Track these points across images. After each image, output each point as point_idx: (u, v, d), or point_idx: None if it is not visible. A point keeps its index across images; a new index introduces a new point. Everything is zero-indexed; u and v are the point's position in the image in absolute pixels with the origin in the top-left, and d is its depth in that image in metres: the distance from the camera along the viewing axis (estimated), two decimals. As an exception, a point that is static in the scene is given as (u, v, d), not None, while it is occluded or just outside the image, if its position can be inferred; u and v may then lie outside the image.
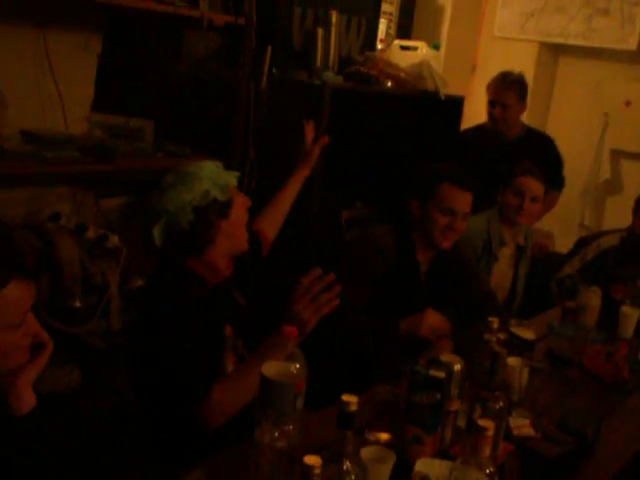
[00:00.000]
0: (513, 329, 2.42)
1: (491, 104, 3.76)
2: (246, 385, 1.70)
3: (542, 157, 3.62)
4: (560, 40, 4.59)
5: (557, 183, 3.95)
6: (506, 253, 3.21)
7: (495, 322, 1.92)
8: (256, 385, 1.47)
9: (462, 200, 2.56)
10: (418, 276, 2.64)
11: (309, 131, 2.59)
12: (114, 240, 2.85)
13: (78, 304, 2.70)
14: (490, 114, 3.78)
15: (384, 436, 1.73)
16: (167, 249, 1.91)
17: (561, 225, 4.79)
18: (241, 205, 1.97)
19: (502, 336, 1.95)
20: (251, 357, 1.82)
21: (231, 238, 1.95)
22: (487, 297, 2.89)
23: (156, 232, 1.87)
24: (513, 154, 3.51)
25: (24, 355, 1.36)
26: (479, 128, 3.93)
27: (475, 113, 4.76)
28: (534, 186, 3.13)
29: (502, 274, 3.20)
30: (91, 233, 2.84)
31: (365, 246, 2.58)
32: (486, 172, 3.20)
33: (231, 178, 1.94)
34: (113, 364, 2.05)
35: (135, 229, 3.13)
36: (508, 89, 3.73)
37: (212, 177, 1.89)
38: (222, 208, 1.90)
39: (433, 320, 2.32)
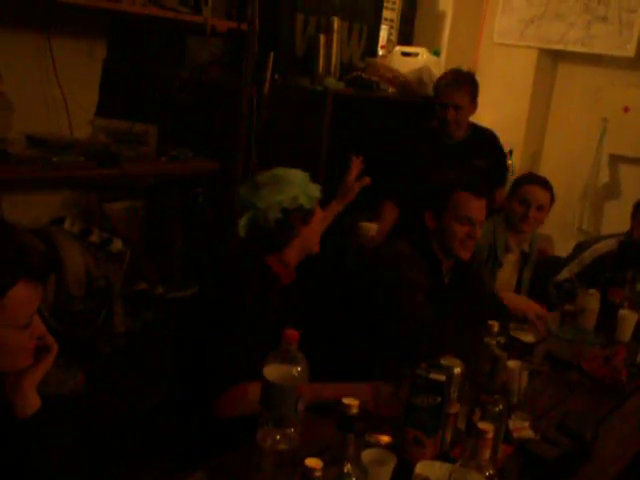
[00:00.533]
0: (513, 332, 2.45)
1: (442, 106, 3.45)
2: None
3: (488, 155, 3.55)
4: (559, 46, 4.61)
5: (503, 179, 3.79)
6: (511, 259, 3.22)
7: (495, 325, 1.93)
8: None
9: (478, 207, 2.48)
10: (443, 288, 2.55)
11: (355, 167, 2.64)
12: (118, 244, 2.88)
13: (82, 307, 2.72)
14: (441, 117, 3.46)
15: (385, 438, 1.75)
16: (248, 242, 2.05)
17: (560, 229, 4.81)
18: (320, 216, 2.14)
19: (502, 339, 1.97)
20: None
21: (306, 242, 2.11)
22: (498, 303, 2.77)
23: (242, 223, 2.03)
24: (460, 156, 3.38)
25: (29, 357, 1.36)
26: (422, 129, 3.63)
27: (475, 119, 4.79)
28: (541, 195, 3.14)
29: (506, 280, 3.21)
30: (95, 237, 2.86)
31: (408, 263, 2.44)
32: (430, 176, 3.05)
33: (317, 190, 2.09)
34: (117, 367, 2.06)
35: (138, 233, 3.16)
36: (460, 89, 3.44)
37: (302, 185, 2.05)
38: (305, 215, 2.06)
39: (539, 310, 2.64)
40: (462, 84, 3.45)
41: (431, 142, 3.50)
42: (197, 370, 1.91)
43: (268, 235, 2.03)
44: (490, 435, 1.35)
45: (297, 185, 2.04)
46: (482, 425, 1.35)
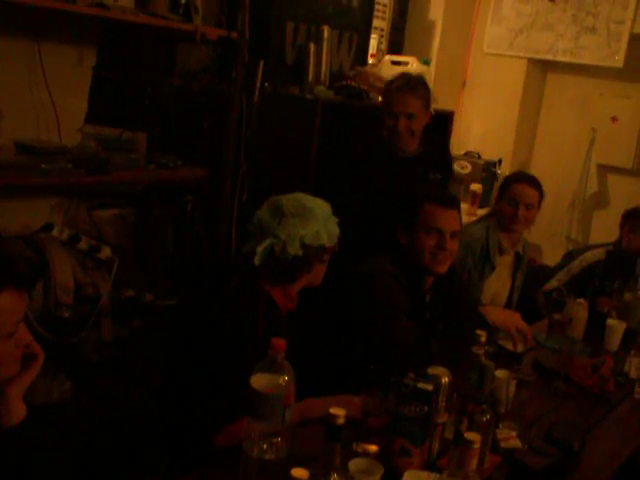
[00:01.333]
0: (501, 342, 2.45)
1: (391, 115, 3.01)
2: None
3: (442, 169, 3.23)
4: (548, 57, 4.65)
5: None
6: (506, 261, 3.19)
7: (483, 335, 1.94)
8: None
9: (447, 217, 2.39)
10: (424, 307, 2.48)
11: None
12: (106, 251, 2.87)
13: (69, 315, 2.71)
14: (391, 127, 3.02)
15: (372, 448, 1.74)
16: (257, 270, 1.94)
17: (548, 238, 4.84)
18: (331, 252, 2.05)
19: (490, 349, 1.97)
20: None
21: (314, 278, 2.04)
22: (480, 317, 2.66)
23: (259, 250, 1.91)
24: (416, 170, 3.07)
25: (15, 366, 1.34)
26: (371, 142, 3.15)
27: (465, 128, 4.84)
28: (529, 193, 3.09)
29: (501, 282, 3.20)
30: (83, 244, 2.85)
31: (387, 282, 2.36)
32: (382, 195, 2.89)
33: (336, 227, 2.01)
34: (105, 375, 2.05)
35: (127, 241, 3.15)
36: (413, 94, 2.99)
37: (325, 220, 1.98)
38: (323, 254, 2.00)
39: (521, 324, 2.55)
40: (414, 88, 3.01)
41: (383, 156, 3.08)
42: (184, 384, 1.87)
43: (282, 267, 1.94)
44: (477, 445, 1.35)
45: (321, 220, 1.96)
46: (469, 435, 1.36)
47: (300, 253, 1.91)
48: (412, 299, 2.39)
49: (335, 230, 2.00)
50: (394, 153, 3.07)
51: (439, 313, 2.51)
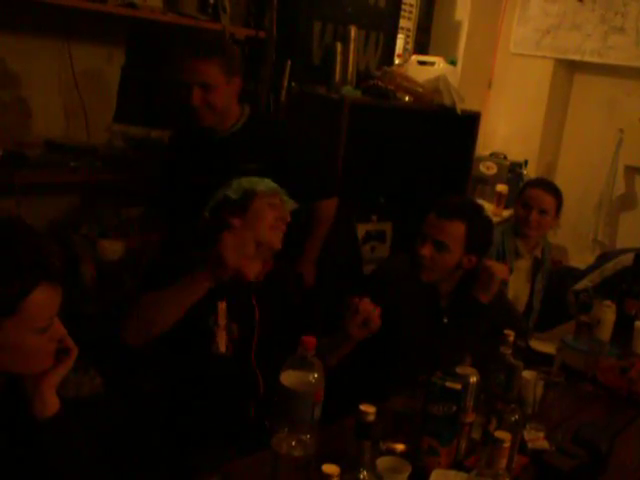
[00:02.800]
0: (532, 343, 2.43)
1: (186, 85, 2.49)
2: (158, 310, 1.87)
3: (267, 147, 2.60)
4: (576, 57, 4.61)
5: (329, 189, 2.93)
6: (523, 266, 3.18)
7: (511, 335, 1.93)
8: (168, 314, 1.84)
9: (437, 225, 2.33)
10: (440, 312, 2.46)
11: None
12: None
13: (94, 311, 2.73)
14: (186, 99, 2.51)
15: (399, 447, 1.75)
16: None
17: (575, 240, 4.80)
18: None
19: (519, 349, 1.96)
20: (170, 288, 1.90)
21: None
22: (516, 321, 2.64)
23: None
24: (227, 153, 2.57)
25: (49, 360, 1.36)
26: (185, 129, 2.75)
27: (491, 128, 4.81)
28: (543, 198, 3.09)
29: (519, 287, 3.19)
30: (111, 242, 2.88)
31: (398, 284, 2.39)
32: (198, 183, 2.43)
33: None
34: (134, 371, 2.07)
35: (154, 238, 3.17)
36: (207, 61, 2.46)
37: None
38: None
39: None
40: (208, 53, 2.46)
41: (194, 139, 2.65)
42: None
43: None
44: (507, 444, 1.34)
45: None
46: (499, 434, 1.35)
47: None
48: (426, 303, 2.39)
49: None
50: (204, 137, 2.60)
51: (457, 320, 2.44)
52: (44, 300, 1.30)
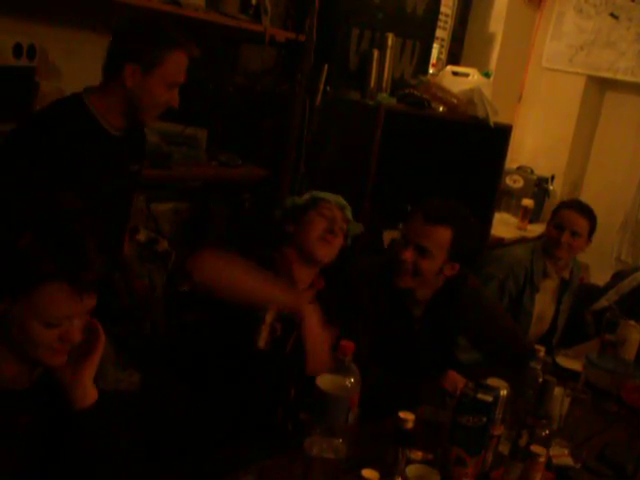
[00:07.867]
0: (559, 359, 2.43)
1: None
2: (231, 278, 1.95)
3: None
4: (608, 74, 4.60)
5: None
6: (549, 286, 3.18)
7: (541, 350, 1.94)
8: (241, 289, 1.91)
9: (419, 229, 2.25)
10: (411, 320, 2.38)
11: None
12: (164, 244, 2.90)
13: (123, 305, 2.75)
14: None
15: (428, 455, 1.76)
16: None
17: (598, 258, 4.77)
18: None
19: (547, 365, 1.97)
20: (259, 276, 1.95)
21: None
22: (510, 337, 2.52)
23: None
24: (119, 156, 2.33)
25: (56, 357, 1.34)
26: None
27: (518, 142, 4.81)
28: (577, 220, 3.08)
29: (544, 307, 3.19)
30: (142, 236, 2.89)
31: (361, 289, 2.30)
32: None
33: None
34: (169, 370, 2.10)
35: (181, 235, 3.19)
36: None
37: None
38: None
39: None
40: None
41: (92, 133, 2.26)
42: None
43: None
44: (543, 459, 1.35)
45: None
46: (535, 448, 1.35)
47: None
48: (396, 308, 2.32)
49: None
50: (101, 136, 2.27)
51: (432, 328, 2.38)
52: (57, 299, 1.27)
